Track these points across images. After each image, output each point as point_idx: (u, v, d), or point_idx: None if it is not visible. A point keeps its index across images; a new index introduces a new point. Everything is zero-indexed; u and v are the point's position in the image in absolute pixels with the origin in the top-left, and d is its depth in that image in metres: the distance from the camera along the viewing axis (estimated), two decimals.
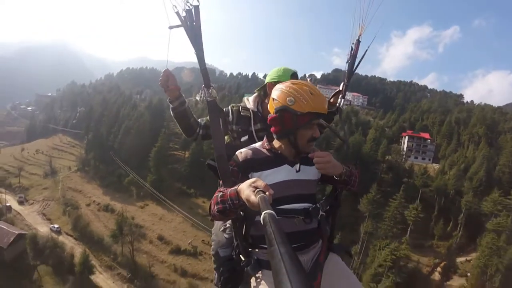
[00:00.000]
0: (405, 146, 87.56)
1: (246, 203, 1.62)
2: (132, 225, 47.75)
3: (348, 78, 3.22)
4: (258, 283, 2.06)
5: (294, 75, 2.86)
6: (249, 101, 3.01)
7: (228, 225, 2.65)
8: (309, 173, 2.27)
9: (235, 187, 1.79)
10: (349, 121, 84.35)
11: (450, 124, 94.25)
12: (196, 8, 2.24)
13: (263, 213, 1.20)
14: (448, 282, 46.90)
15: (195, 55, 2.32)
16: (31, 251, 44.04)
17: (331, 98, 3.29)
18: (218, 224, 2.81)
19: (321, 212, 2.24)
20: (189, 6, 2.22)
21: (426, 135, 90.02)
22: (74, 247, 45.69)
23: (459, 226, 56.10)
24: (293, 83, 2.14)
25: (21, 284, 39.63)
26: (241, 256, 2.19)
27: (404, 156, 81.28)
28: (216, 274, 2.63)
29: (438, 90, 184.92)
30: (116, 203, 56.93)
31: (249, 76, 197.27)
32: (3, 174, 74.22)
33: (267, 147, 2.27)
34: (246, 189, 1.63)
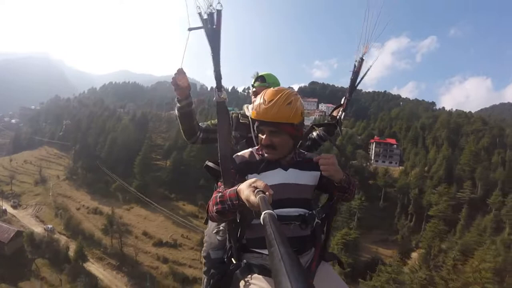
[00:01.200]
0: (373, 151, 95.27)
1: (246, 203, 1.66)
2: (120, 223, 54.89)
3: (350, 93, 3.44)
4: (247, 287, 2.07)
5: (259, 78, 3.23)
6: (249, 109, 3.24)
7: (221, 228, 2.76)
8: (305, 178, 2.33)
9: (235, 187, 1.85)
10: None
11: (416, 130, 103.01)
12: (219, 12, 2.35)
13: (263, 213, 1.21)
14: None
15: (211, 57, 2.42)
16: (28, 246, 50.33)
17: (332, 111, 3.63)
18: (211, 226, 2.94)
19: (316, 220, 2.26)
20: (212, 10, 2.33)
21: (393, 141, 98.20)
22: (68, 242, 52.31)
23: (409, 216, 64.12)
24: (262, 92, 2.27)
25: (21, 274, 45.84)
26: (232, 259, 2.24)
27: (372, 161, 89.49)
28: (205, 278, 2.86)
29: (411, 99, 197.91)
30: (104, 206, 63.25)
31: (229, 90, 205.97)
32: None
33: (261, 152, 2.33)
34: (246, 189, 1.67)
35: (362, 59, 3.27)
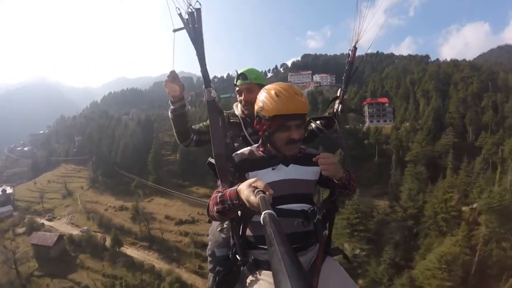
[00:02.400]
0: (367, 113, 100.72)
1: (246, 203, 1.69)
2: (144, 212, 64.84)
3: (346, 84, 3.43)
4: (254, 283, 2.08)
5: (240, 76, 3.18)
6: (238, 108, 3.27)
7: (225, 226, 2.84)
8: (307, 173, 2.36)
9: (235, 187, 1.88)
10: (314, 101, 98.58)
11: (406, 85, 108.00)
12: (198, 11, 2.40)
13: (263, 213, 1.22)
14: None
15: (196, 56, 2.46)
16: (70, 246, 60.28)
17: (329, 104, 3.56)
18: (215, 224, 3.02)
19: (318, 216, 2.28)
20: (191, 9, 2.37)
21: (384, 100, 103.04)
22: (103, 236, 62.15)
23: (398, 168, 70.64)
24: (264, 89, 2.28)
25: (69, 269, 55.32)
26: (237, 256, 2.25)
27: (367, 122, 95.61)
28: (211, 276, 2.92)
29: (404, 55, 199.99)
30: (128, 203, 72.44)
31: (225, 77, 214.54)
32: (26, 204, 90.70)
33: (261, 149, 2.39)
34: (245, 189, 1.70)
35: (355, 48, 3.34)
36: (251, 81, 3.12)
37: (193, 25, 2.38)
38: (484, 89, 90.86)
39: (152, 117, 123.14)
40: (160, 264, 52.99)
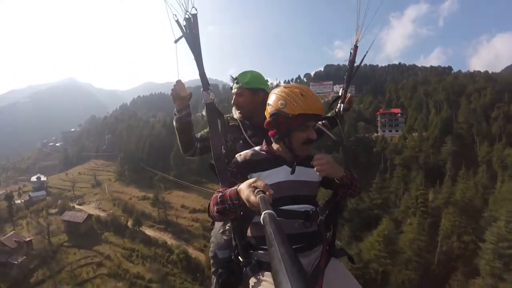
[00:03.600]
0: (379, 123, 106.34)
1: (246, 203, 1.72)
2: (163, 201, 75.49)
3: (347, 83, 3.46)
4: (257, 284, 2.11)
5: (234, 80, 3.15)
6: (236, 112, 3.20)
7: (227, 227, 2.87)
8: (310, 174, 2.36)
9: (235, 187, 1.91)
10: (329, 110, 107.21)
11: (420, 96, 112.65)
12: (194, 16, 2.50)
13: (263, 213, 1.23)
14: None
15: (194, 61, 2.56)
16: (97, 224, 71.03)
17: (331, 104, 3.64)
18: (217, 226, 3.06)
19: (320, 217, 2.33)
20: (188, 15, 2.48)
21: (397, 110, 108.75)
22: (126, 218, 72.82)
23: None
24: (285, 87, 2.29)
25: (94, 243, 65.26)
26: (239, 257, 2.29)
27: (379, 131, 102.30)
28: (214, 278, 2.89)
29: (427, 66, 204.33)
30: (150, 194, 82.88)
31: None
32: (58, 191, 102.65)
33: (265, 150, 2.40)
34: (246, 189, 1.74)
35: (356, 46, 3.39)
36: (241, 86, 3.13)
37: (190, 30, 2.52)
38: (498, 100, 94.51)
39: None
40: (172, 242, 63.22)
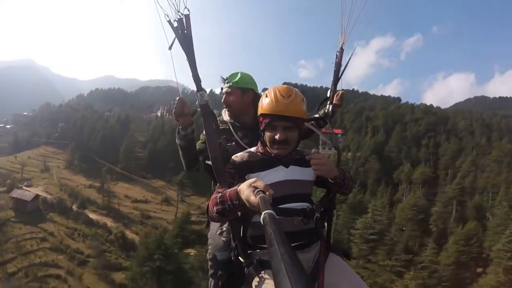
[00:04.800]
0: (321, 141, 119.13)
1: (246, 203, 1.76)
2: (108, 190, 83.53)
3: (335, 84, 3.63)
4: (260, 284, 2.14)
5: (224, 80, 3.35)
6: (226, 114, 3.37)
7: (225, 228, 2.96)
8: (305, 174, 2.51)
9: (235, 187, 1.96)
10: None
11: (361, 121, 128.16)
12: (187, 17, 2.49)
13: (263, 213, 1.25)
14: None
15: (187, 62, 2.58)
16: (43, 205, 77.83)
17: (320, 106, 3.91)
18: (214, 228, 3.16)
19: (316, 214, 2.47)
20: (180, 16, 2.48)
21: (338, 131, 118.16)
22: (72, 203, 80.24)
23: None
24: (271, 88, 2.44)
25: (40, 221, 71.51)
26: (240, 258, 2.34)
27: (319, 148, 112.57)
28: (213, 281, 3.00)
29: (378, 95, 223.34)
30: (97, 183, 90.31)
31: (207, 92, 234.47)
32: (7, 172, 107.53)
33: (261, 151, 2.53)
34: (246, 189, 1.78)
35: (342, 49, 3.51)
36: (231, 85, 3.26)
37: (182, 31, 2.52)
38: (432, 131, 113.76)
39: (131, 117, 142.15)
40: (111, 224, 71.81)
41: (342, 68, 3.64)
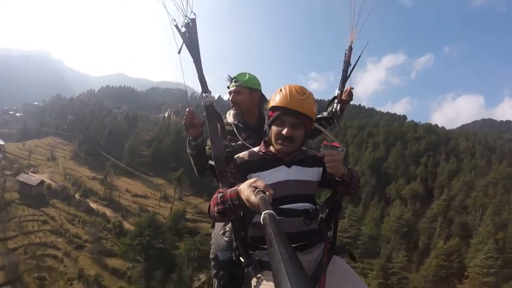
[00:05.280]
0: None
1: (246, 203, 1.78)
2: (110, 183, 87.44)
3: (343, 84, 3.62)
4: (258, 284, 2.17)
5: (231, 79, 3.43)
6: (230, 116, 3.42)
7: (228, 228, 2.96)
8: (309, 174, 2.50)
9: (235, 187, 1.98)
10: None
11: (362, 136, 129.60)
12: (193, 21, 2.57)
13: (263, 213, 1.26)
14: None
15: (193, 64, 2.67)
16: (47, 191, 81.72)
17: (328, 105, 3.89)
18: (217, 227, 3.19)
19: (320, 215, 2.41)
20: (187, 20, 2.56)
21: (337, 144, 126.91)
22: (75, 191, 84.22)
23: None
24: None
25: (42, 205, 74.94)
26: (241, 258, 2.36)
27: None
28: (216, 281, 2.96)
29: (384, 112, 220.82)
30: (100, 176, 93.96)
31: (215, 98, 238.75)
32: (15, 157, 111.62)
33: (263, 150, 2.53)
34: (246, 189, 1.79)
35: (351, 47, 3.54)
36: (241, 84, 3.33)
37: (189, 34, 2.60)
38: (432, 150, 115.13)
39: (139, 117, 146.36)
40: (110, 214, 75.57)
41: (350, 67, 3.68)
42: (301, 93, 2.37)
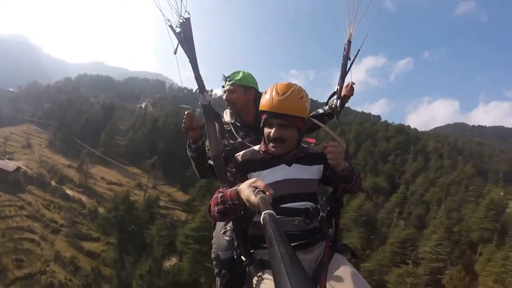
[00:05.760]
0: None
1: (246, 203, 1.78)
2: (86, 170, 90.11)
3: (342, 79, 3.61)
4: (260, 283, 2.17)
5: (226, 78, 3.44)
6: (227, 115, 3.44)
7: (228, 228, 2.91)
8: (309, 172, 2.53)
9: (235, 187, 1.99)
10: None
11: (335, 133, 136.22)
12: (188, 20, 2.58)
13: (263, 213, 1.28)
14: None
15: (189, 63, 2.71)
16: (23, 178, 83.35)
17: (328, 101, 3.89)
18: (218, 227, 3.18)
19: (321, 213, 2.42)
20: (182, 19, 2.58)
21: (312, 140, 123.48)
22: (50, 178, 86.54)
23: None
24: None
25: (19, 191, 76.82)
26: (242, 257, 2.39)
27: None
28: (218, 280, 2.99)
29: (359, 111, 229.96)
30: (75, 164, 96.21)
31: (193, 91, 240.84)
32: None
33: (263, 149, 2.54)
34: (246, 189, 1.80)
35: (349, 41, 3.52)
36: (234, 82, 3.34)
37: (184, 34, 2.63)
38: (401, 149, 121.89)
39: (116, 106, 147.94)
40: (86, 200, 78.34)
41: (350, 62, 3.67)
42: (282, 93, 2.38)
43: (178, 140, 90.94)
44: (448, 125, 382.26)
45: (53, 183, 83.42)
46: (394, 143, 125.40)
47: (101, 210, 71.01)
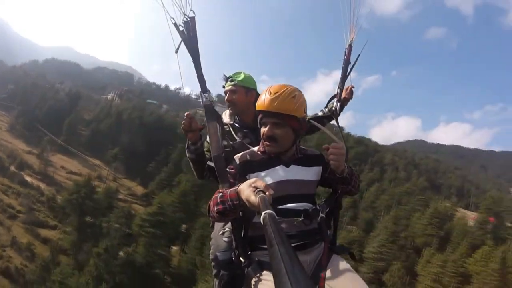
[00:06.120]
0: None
1: (246, 203, 1.82)
2: (46, 158, 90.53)
3: (342, 82, 3.68)
4: (259, 284, 2.20)
5: (227, 78, 3.48)
6: (226, 116, 3.50)
7: (227, 229, 2.90)
8: (308, 173, 2.56)
9: (235, 187, 2.03)
10: None
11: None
12: (192, 19, 2.62)
13: (263, 213, 1.29)
14: None
15: (192, 62, 2.75)
16: None
17: (328, 103, 3.95)
18: (217, 228, 3.17)
19: (320, 214, 2.45)
20: (186, 18, 2.60)
21: None
22: (9, 163, 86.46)
23: None
24: None
25: None
26: (240, 258, 2.39)
27: None
28: (217, 282, 2.94)
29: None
30: (36, 151, 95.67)
31: (162, 87, 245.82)
32: None
33: (262, 150, 2.58)
34: (246, 189, 1.83)
35: (351, 46, 3.58)
36: (236, 83, 3.39)
37: (188, 33, 2.65)
38: (358, 159, 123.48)
39: (82, 95, 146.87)
40: (45, 188, 78.97)
41: (350, 66, 3.73)
42: (274, 92, 2.45)
43: (141, 134, 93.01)
44: (408, 141, 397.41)
45: (12, 168, 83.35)
46: (352, 154, 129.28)
47: (59, 198, 72.08)
